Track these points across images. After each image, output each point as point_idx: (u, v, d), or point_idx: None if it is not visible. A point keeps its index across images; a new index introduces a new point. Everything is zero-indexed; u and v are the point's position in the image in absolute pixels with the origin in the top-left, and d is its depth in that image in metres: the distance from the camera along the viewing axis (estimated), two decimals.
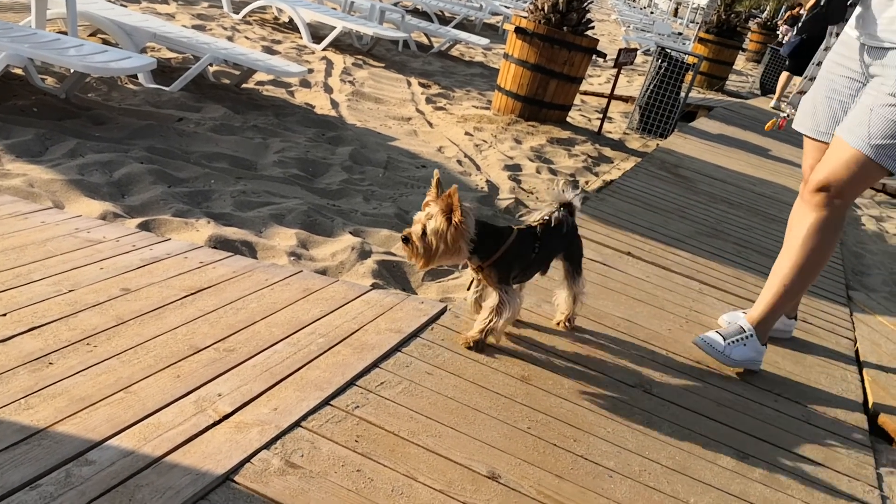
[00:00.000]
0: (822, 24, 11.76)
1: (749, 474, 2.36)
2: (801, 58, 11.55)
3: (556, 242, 2.71)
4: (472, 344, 2.63)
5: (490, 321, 2.58)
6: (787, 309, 3.34)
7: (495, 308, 2.56)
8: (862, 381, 3.28)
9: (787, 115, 3.22)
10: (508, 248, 2.53)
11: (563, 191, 2.71)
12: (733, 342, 2.97)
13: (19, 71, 5.07)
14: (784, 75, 12.41)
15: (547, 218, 2.66)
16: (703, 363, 3.02)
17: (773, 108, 12.51)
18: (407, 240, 2.44)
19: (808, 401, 2.96)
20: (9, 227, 2.84)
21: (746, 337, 2.98)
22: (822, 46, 2.89)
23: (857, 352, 3.57)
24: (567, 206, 2.72)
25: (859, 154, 2.68)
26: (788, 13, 21.76)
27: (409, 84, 8.68)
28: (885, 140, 2.63)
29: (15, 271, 2.52)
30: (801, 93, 2.88)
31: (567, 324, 2.96)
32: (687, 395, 2.74)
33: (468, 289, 2.78)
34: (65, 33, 5.76)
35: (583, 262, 2.85)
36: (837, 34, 2.95)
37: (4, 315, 2.25)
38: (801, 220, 2.88)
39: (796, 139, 10.18)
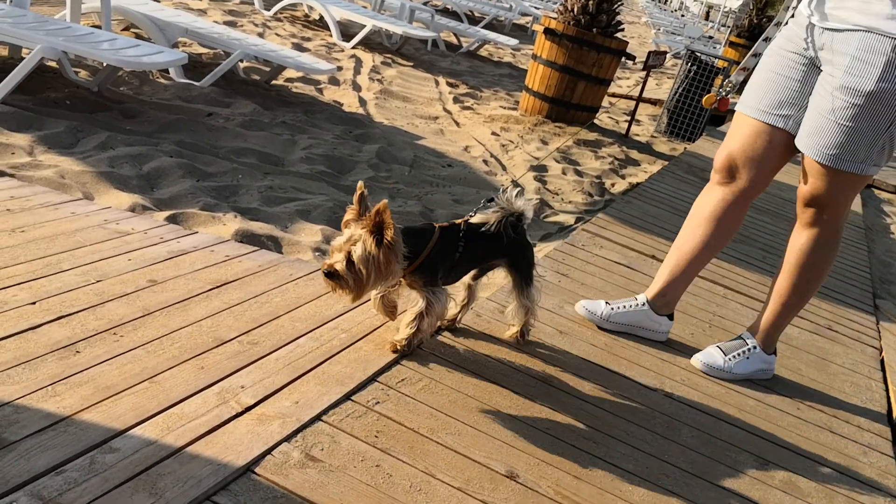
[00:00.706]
0: None
1: (769, 481, 2.35)
2: None
3: (490, 246, 2.48)
4: (398, 349, 2.43)
5: (417, 324, 2.38)
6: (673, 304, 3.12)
7: (423, 311, 2.37)
8: (886, 390, 3.25)
9: (731, 91, 3.01)
10: (431, 250, 2.33)
11: (513, 198, 2.48)
12: (735, 356, 2.93)
13: (53, 64, 5.15)
14: None
15: (472, 215, 2.47)
16: None
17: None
18: (331, 274, 2.15)
19: (831, 409, 2.93)
20: (40, 217, 2.89)
21: (749, 350, 2.93)
22: (774, 22, 2.70)
23: (882, 361, 3.54)
24: (516, 215, 2.49)
25: (822, 167, 2.55)
26: None
27: (437, 83, 8.70)
28: (842, 148, 2.48)
29: (45, 260, 2.56)
30: (744, 69, 2.72)
31: (520, 338, 2.73)
32: (708, 400, 2.73)
33: None
34: (98, 27, 5.84)
35: (534, 273, 2.60)
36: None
37: (34, 303, 2.29)
38: (795, 238, 2.78)
39: None
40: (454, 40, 12.21)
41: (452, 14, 14.65)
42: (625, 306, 3.05)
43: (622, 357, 2.86)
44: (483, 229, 2.44)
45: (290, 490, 1.77)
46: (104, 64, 5.01)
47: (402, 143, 5.91)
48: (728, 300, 3.73)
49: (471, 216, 2.47)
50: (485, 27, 13.65)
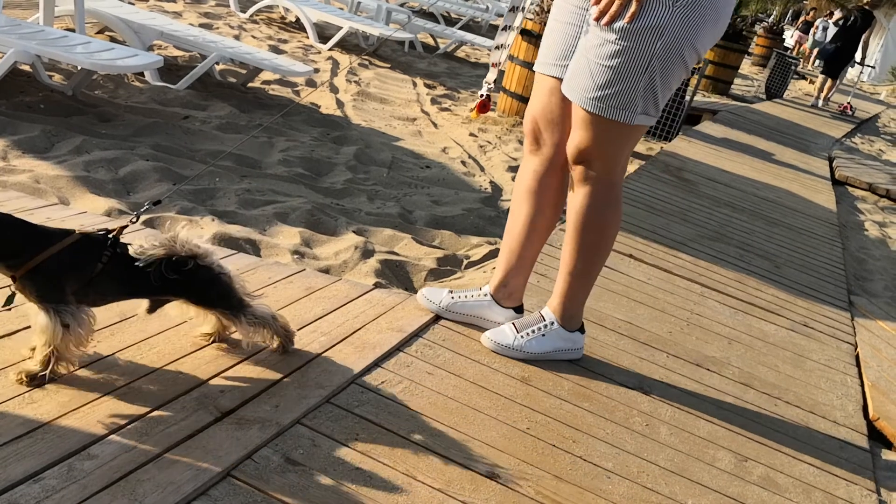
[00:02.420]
0: (855, 34, 14.19)
1: (747, 477, 2.37)
2: (837, 63, 15.06)
3: (151, 281, 1.99)
4: (26, 379, 1.94)
5: (50, 350, 1.93)
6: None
7: (45, 331, 1.91)
8: (862, 385, 3.29)
9: (488, 92, 2.82)
10: (53, 257, 1.89)
11: (182, 238, 2.01)
12: (528, 333, 2.65)
13: (27, 68, 5.10)
14: (820, 78, 15.53)
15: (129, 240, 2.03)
16: (703, 366, 3.03)
17: (814, 105, 15.47)
18: None
19: (808, 405, 2.96)
20: None
21: (545, 326, 2.65)
22: None
23: (857, 357, 3.58)
24: (189, 256, 2.02)
25: (585, 113, 2.31)
26: (803, 18, 22.39)
27: (415, 85, 8.70)
28: (600, 91, 2.25)
29: None
30: (496, 65, 2.57)
31: (280, 350, 2.32)
32: (686, 398, 2.75)
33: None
34: (72, 30, 5.79)
35: (235, 296, 2.15)
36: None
37: (9, 309, 2.27)
38: (571, 198, 2.51)
39: (802, 143, 10.16)
40: (431, 41, 12.21)
41: (429, 15, 14.66)
42: (466, 296, 2.83)
43: (600, 356, 2.87)
44: (137, 263, 1.97)
45: (271, 494, 1.77)
46: (78, 67, 4.97)
47: (380, 144, 5.91)
48: (705, 298, 3.76)
49: (124, 238, 2.04)
50: (461, 28, 13.67)
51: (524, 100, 7.56)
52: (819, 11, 21.73)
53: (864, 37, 15.17)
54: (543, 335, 2.66)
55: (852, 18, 14.91)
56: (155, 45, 6.81)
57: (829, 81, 15.44)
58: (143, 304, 2.17)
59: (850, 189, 8.53)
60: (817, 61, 18.59)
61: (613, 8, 2.20)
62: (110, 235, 2.01)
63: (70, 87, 5.10)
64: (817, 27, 20.19)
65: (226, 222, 3.73)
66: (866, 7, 15.04)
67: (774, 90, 15.39)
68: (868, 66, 21.21)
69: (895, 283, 5.45)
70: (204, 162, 4.56)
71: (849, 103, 15.67)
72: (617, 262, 3.91)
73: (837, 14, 16.65)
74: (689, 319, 3.45)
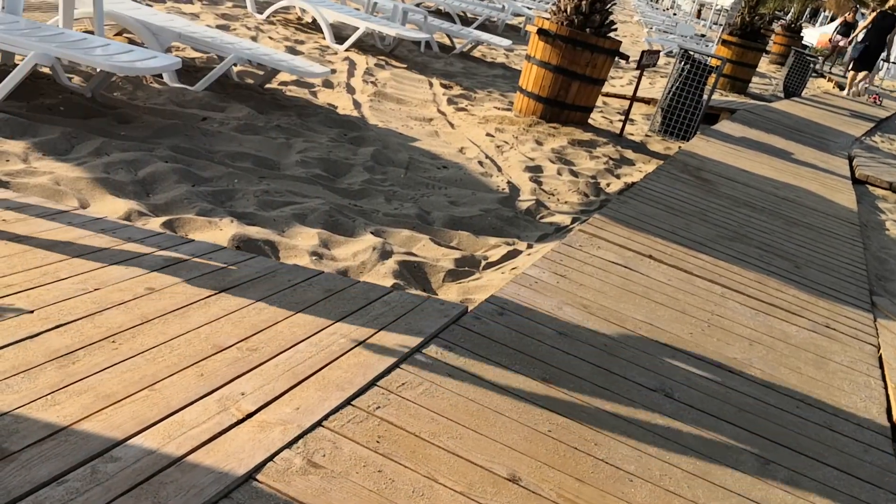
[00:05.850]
0: (881, 34, 14.94)
1: (770, 480, 2.35)
2: (867, 61, 16.51)
3: None
4: None
5: None
6: None
7: None
8: (885, 387, 3.25)
9: None
10: None
11: None
12: None
13: (47, 70, 5.13)
14: (851, 73, 17.19)
15: None
16: (724, 367, 3.01)
17: (846, 96, 16.92)
18: None
19: (831, 407, 2.94)
20: (37, 227, 2.87)
21: None
22: None
23: (880, 358, 3.55)
24: None
25: None
26: (843, 19, 23.49)
27: (431, 85, 8.69)
28: None
29: (42, 269, 2.55)
30: None
31: None
32: (708, 400, 2.73)
33: None
34: (91, 33, 5.82)
35: None
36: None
37: (32, 312, 2.28)
38: None
39: (821, 142, 10.09)
40: (447, 41, 12.20)
41: (445, 15, 14.65)
42: None
43: (622, 358, 2.86)
44: None
45: (293, 497, 1.77)
46: (98, 70, 4.99)
47: (397, 145, 5.90)
48: (726, 299, 3.73)
49: None
50: (478, 28, 13.65)
51: (541, 99, 7.54)
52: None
53: (889, 36, 16.14)
54: None
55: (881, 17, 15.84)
56: (173, 46, 6.83)
57: (863, 73, 16.88)
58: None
59: (870, 188, 8.45)
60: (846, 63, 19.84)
61: None
62: None
63: (89, 89, 5.13)
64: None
65: (245, 223, 3.73)
66: (888, 11, 15.54)
67: (792, 89, 15.29)
68: (894, 63, 22.32)
69: None
70: (222, 163, 4.57)
71: (877, 94, 17.22)
72: (637, 262, 3.89)
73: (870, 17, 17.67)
74: (710, 321, 3.43)
